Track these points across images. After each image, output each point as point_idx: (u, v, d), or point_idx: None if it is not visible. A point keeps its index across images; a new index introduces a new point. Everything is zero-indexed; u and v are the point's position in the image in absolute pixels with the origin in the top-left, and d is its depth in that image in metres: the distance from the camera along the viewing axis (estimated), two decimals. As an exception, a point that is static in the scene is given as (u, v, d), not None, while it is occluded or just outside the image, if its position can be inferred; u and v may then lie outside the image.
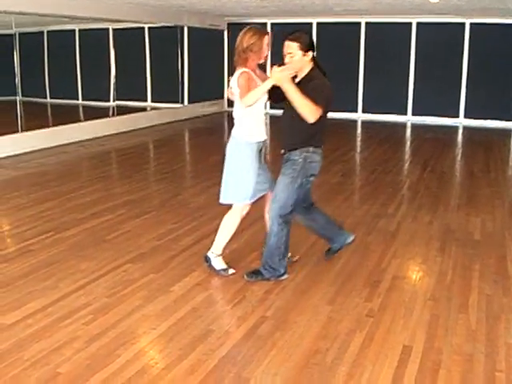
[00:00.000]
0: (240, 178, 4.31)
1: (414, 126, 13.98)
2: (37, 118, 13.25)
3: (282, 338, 3.59)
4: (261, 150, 4.36)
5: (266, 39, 4.20)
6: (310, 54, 4.04)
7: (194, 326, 3.73)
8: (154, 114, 14.28)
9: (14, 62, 10.91)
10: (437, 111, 14.29)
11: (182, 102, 15.23)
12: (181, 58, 15.18)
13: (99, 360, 3.33)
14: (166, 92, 15.57)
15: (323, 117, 4.03)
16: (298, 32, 4.06)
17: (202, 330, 3.67)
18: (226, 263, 4.58)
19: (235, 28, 15.81)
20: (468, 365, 3.32)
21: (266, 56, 4.26)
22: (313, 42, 4.09)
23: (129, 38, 15.95)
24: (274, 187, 4.27)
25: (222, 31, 16.02)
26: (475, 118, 14.02)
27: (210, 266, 4.54)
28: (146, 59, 15.95)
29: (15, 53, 10.84)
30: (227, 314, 3.89)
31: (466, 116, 14.18)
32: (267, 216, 4.43)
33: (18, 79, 11.12)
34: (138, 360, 3.33)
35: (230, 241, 4.61)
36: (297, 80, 4.09)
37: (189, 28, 14.89)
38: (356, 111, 15.02)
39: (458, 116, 14.24)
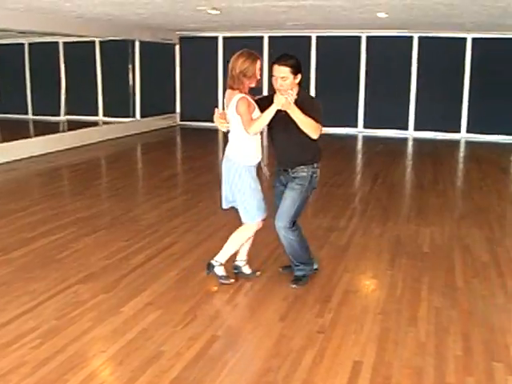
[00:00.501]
0: (246, 199, 4.46)
1: (366, 139, 14.17)
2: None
3: (233, 357, 3.58)
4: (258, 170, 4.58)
5: (259, 64, 4.34)
6: (299, 76, 4.28)
7: (144, 347, 3.68)
8: (105, 128, 14.15)
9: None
10: (387, 124, 14.52)
11: (134, 116, 15.12)
12: (132, 71, 15.09)
13: (47, 386, 3.26)
14: (118, 106, 15.45)
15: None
16: (287, 56, 4.27)
17: (152, 352, 3.63)
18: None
19: (186, 42, 15.89)
20: (417, 378, 3.37)
21: (259, 80, 4.40)
22: (300, 65, 4.29)
23: (79, 52, 15.81)
24: (281, 203, 4.50)
25: (174, 45, 15.99)
26: (424, 130, 14.29)
27: (212, 272, 4.67)
28: (97, 73, 15.82)
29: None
30: (178, 335, 3.85)
31: (415, 128, 14.44)
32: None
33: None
34: (88, 385, 3.28)
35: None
36: None
37: (140, 42, 14.82)
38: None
39: (407, 128, 14.50)
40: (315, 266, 4.85)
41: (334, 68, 14.73)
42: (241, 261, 4.80)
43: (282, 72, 4.21)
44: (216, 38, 15.65)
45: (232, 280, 4.67)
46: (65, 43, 15.84)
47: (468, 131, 14.16)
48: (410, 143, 13.63)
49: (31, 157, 10.58)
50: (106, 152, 12.04)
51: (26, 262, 5.20)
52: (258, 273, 4.86)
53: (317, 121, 4.23)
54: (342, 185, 8.50)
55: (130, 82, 15.17)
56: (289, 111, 4.16)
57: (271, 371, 3.42)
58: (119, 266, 5.10)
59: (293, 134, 4.32)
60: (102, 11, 10.49)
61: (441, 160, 11.06)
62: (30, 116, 16.74)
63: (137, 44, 14.86)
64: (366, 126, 14.79)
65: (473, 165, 10.87)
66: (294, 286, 4.60)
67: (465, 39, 13.85)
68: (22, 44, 16.51)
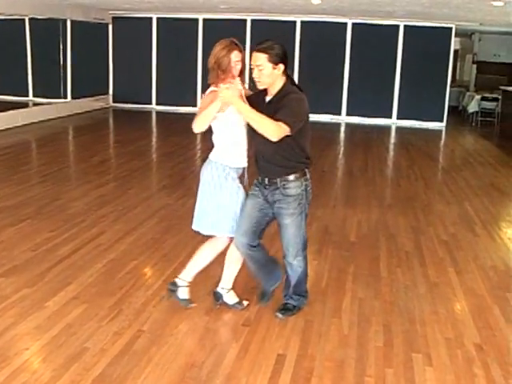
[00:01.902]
0: (222, 208, 3.87)
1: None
2: None
3: (158, 352, 3.58)
4: (240, 178, 3.93)
5: (236, 55, 3.70)
6: (282, 66, 3.61)
7: (68, 344, 3.64)
8: (35, 110, 13.78)
9: None
10: (321, 109, 14.66)
11: (66, 98, 14.77)
12: (63, 51, 14.71)
13: (-35, 386, 3.20)
14: (49, 87, 15.05)
15: (306, 133, 3.74)
16: (268, 42, 3.64)
17: (76, 348, 3.59)
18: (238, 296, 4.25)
19: (120, 22, 15.59)
20: (339, 371, 3.45)
21: (240, 74, 3.76)
22: (285, 54, 3.65)
23: (8, 29, 15.28)
24: (283, 234, 3.91)
25: (107, 25, 15.66)
26: (356, 115, 14.52)
27: (174, 296, 4.16)
28: (26, 52, 15.34)
29: None
30: (103, 330, 3.82)
31: (348, 113, 14.65)
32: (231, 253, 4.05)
33: None
34: (8, 384, 3.22)
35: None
36: (269, 97, 3.75)
37: (72, 21, 14.44)
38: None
39: (340, 113, 14.69)
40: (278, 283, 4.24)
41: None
42: (222, 289, 4.19)
43: (258, 59, 3.58)
44: (150, 19, 15.42)
45: (193, 304, 4.19)
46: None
47: (399, 117, 14.47)
48: (343, 129, 13.82)
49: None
50: (35, 135, 11.73)
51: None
52: (246, 302, 4.23)
53: (281, 119, 3.49)
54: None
55: (61, 62, 14.80)
56: (236, 108, 3.57)
57: (195, 366, 3.44)
58: (44, 258, 5.00)
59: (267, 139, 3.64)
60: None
61: (371, 147, 11.26)
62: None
63: (68, 23, 14.49)
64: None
65: (402, 151, 11.12)
66: (280, 315, 4.06)
67: (397, 26, 14.10)
68: None
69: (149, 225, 5.93)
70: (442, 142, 13.19)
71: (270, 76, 3.62)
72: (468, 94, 16.12)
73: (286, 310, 4.09)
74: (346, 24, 14.35)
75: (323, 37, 14.51)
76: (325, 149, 10.64)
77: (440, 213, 6.81)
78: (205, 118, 3.65)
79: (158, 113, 15.37)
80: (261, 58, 3.58)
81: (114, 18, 15.68)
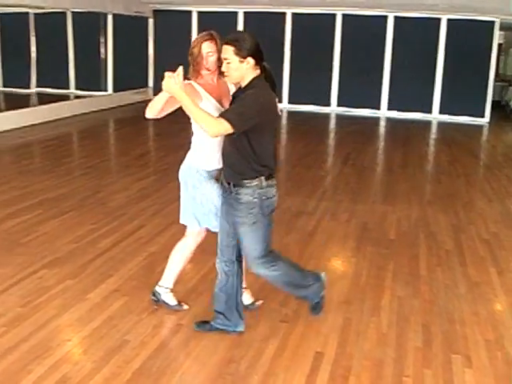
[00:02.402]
0: (198, 204, 3.80)
1: (338, 118, 14.20)
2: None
3: (196, 347, 3.62)
4: (218, 179, 3.79)
5: (207, 46, 3.59)
6: (251, 60, 3.34)
7: (109, 336, 3.70)
8: (77, 102, 13.98)
9: None
10: (361, 103, 14.56)
11: (107, 90, 14.96)
12: (105, 44, 14.89)
13: (9, 376, 3.27)
14: (90, 80, 15.26)
15: (264, 138, 3.44)
16: (237, 34, 3.46)
17: (117, 341, 3.65)
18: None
19: (160, 15, 15.69)
20: (377, 370, 3.44)
21: (214, 69, 3.65)
22: (257, 47, 3.39)
23: (50, 23, 15.53)
24: (241, 243, 3.66)
25: (147, 18, 15.79)
26: (397, 110, 14.37)
27: (160, 302, 4.08)
28: (68, 45, 15.56)
29: None
30: (143, 323, 3.87)
31: (388, 108, 14.51)
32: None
33: None
34: (51, 376, 3.27)
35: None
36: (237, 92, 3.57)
37: (113, 14, 14.60)
38: (281, 101, 15.10)
39: (379, 108, 14.55)
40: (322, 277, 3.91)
41: (308, 46, 14.69)
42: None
43: (225, 52, 3.35)
44: (190, 12, 15.49)
45: (186, 306, 4.09)
46: (36, 14, 15.55)
47: (440, 112, 14.27)
48: (383, 123, 13.70)
49: (1, 132, 10.43)
50: (77, 127, 11.91)
51: (-10, 245, 5.17)
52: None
53: (223, 116, 3.25)
54: (312, 166, 8.53)
55: (103, 56, 14.98)
56: (175, 96, 3.33)
57: (233, 361, 3.47)
58: (86, 250, 5.08)
59: (230, 137, 3.40)
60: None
61: (411, 142, 11.15)
62: (0, 88, 16.47)
63: (109, 16, 14.65)
64: (339, 105, 14.81)
65: (443, 147, 10.98)
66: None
67: (439, 19, 13.89)
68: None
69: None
70: (484, 137, 12.96)
71: (238, 70, 3.36)
72: (511, 88, 15.82)
73: (312, 309, 3.92)
74: (386, 17, 14.19)
75: (363, 30, 14.38)
76: (364, 144, 10.58)
77: (481, 211, 6.71)
78: (152, 104, 3.61)
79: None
80: (228, 51, 3.34)
81: (154, 11, 15.79)
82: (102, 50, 14.92)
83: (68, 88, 15.48)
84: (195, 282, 4.51)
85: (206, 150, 3.73)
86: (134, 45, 15.70)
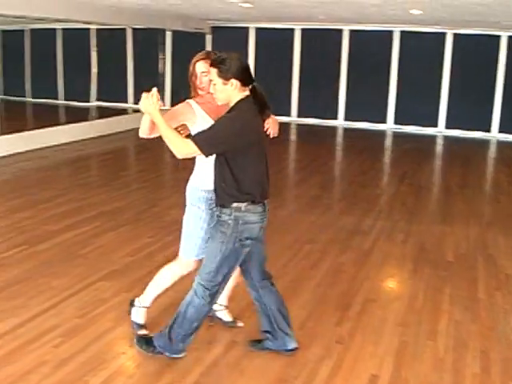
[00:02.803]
0: (188, 230, 3.71)
1: (395, 135, 14.04)
2: (16, 119, 13.19)
3: (250, 365, 3.60)
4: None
5: (200, 66, 3.53)
6: (235, 82, 3.24)
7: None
8: (134, 117, 14.20)
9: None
10: (417, 120, 14.38)
11: (164, 105, 15.17)
12: (163, 60, 15.14)
13: (66, 387, 3.33)
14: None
15: (245, 164, 3.33)
16: (223, 55, 3.30)
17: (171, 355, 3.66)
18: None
19: (218, 31, 15.88)
20: (434, 396, 3.36)
21: (205, 88, 3.52)
22: (242, 68, 3.29)
23: (111, 38, 15.90)
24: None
25: (205, 34, 15.99)
26: (455, 128, 14.13)
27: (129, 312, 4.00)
28: (127, 60, 15.90)
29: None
30: (197, 339, 3.84)
31: (446, 126, 14.28)
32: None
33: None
34: (105, 388, 3.32)
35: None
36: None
37: (172, 31, 14.86)
38: (336, 118, 15.07)
39: (437, 126, 14.33)
40: (292, 346, 3.72)
41: (365, 62, 14.61)
42: (219, 305, 4.07)
43: (211, 73, 3.29)
44: (247, 29, 15.62)
45: (145, 331, 3.90)
46: (97, 30, 15.97)
47: (500, 131, 13.96)
48: (440, 141, 13.47)
49: (60, 144, 10.70)
50: (134, 141, 12.08)
51: (49, 256, 5.28)
52: (240, 324, 4.11)
53: (193, 138, 3.20)
54: (368, 185, 8.44)
55: (161, 71, 15.23)
56: (150, 116, 3.30)
57: (287, 381, 3.44)
58: (142, 263, 5.14)
59: (218, 155, 3.33)
60: (135, 2, 10.52)
61: (470, 161, 10.93)
62: (61, 101, 16.92)
63: (168, 33, 14.90)
64: (396, 122, 14.66)
65: (502, 167, 10.72)
66: (136, 345, 3.71)
67: (499, 37, 13.62)
68: (55, 29, 16.66)
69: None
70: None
71: (223, 92, 3.27)
72: None
73: (143, 341, 3.71)
74: (445, 34, 13.99)
75: (421, 47, 14.22)
76: (421, 162, 10.42)
77: (543, 234, 6.52)
78: (141, 124, 3.48)
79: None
80: (212, 73, 3.27)
81: (212, 28, 15.99)
82: (161, 66, 15.17)
83: (126, 102, 15.79)
84: (250, 299, 4.47)
85: (201, 168, 3.61)
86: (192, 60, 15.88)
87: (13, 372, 3.44)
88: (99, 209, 6.73)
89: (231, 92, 3.27)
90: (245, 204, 3.33)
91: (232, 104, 3.32)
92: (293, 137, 14.03)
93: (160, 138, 3.34)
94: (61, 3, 10.36)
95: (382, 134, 14.14)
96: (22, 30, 17.22)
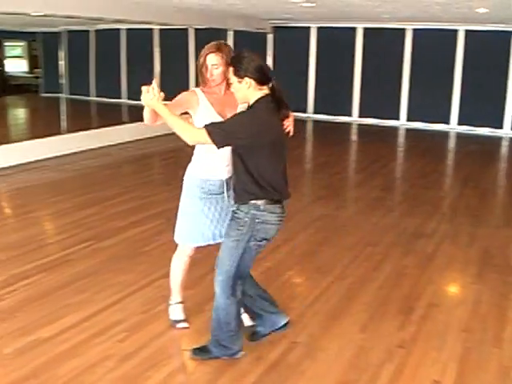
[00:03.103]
0: (183, 216, 3.79)
1: (458, 136, 13.76)
2: (81, 117, 13.54)
3: (311, 366, 3.60)
4: (222, 192, 3.68)
5: (211, 58, 3.47)
6: (249, 81, 3.25)
7: (224, 349, 3.76)
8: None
9: (59, 59, 11.17)
10: (482, 121, 14.05)
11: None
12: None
13: (129, 381, 3.40)
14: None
15: (260, 160, 3.33)
16: (240, 54, 3.35)
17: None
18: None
19: (279, 31, 15.90)
20: (499, 405, 3.29)
21: (218, 81, 3.52)
22: (257, 68, 3.28)
23: (173, 38, 16.13)
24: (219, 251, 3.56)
25: (267, 34, 16.03)
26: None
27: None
28: (189, 60, 16.09)
29: (61, 50, 11.09)
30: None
31: (512, 128, 13.93)
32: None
33: (63, 77, 11.38)
34: (167, 384, 3.38)
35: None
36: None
37: (234, 30, 14.97)
38: (398, 118, 14.87)
39: (502, 127, 13.97)
40: (283, 322, 3.85)
41: (428, 62, 14.36)
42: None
43: (228, 72, 3.36)
44: (309, 28, 15.58)
45: (186, 324, 4.02)
46: (160, 30, 16.23)
47: None
48: (505, 143, 13.13)
49: (123, 142, 10.94)
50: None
51: (115, 252, 5.40)
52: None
53: (207, 128, 3.17)
54: (431, 187, 8.29)
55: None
56: (155, 109, 3.29)
57: (348, 384, 3.43)
58: (204, 261, 5.16)
59: (233, 151, 3.40)
60: (196, 2, 10.63)
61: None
62: (124, 100, 17.28)
63: (229, 32, 15.02)
64: (459, 123, 14.37)
65: None
66: (191, 354, 3.69)
67: None
68: (118, 30, 17.02)
69: (305, 235, 5.99)
70: None
71: (239, 90, 3.31)
72: None
73: (200, 350, 3.69)
74: (511, 33, 13.63)
75: (485, 46, 13.88)
76: (486, 164, 10.18)
77: None
78: (144, 114, 3.46)
79: (315, 121, 15.46)
80: (229, 71, 3.33)
81: (273, 27, 16.02)
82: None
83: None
84: (312, 299, 4.49)
85: (203, 158, 3.64)
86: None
87: (78, 365, 3.54)
88: (162, 207, 6.84)
89: (247, 91, 3.29)
90: (263, 201, 3.34)
91: (251, 102, 3.34)
92: (353, 137, 13.94)
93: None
94: (123, 4, 10.57)
95: (445, 134, 13.87)
96: (88, 31, 17.66)
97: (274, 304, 3.85)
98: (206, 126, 3.19)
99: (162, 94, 3.27)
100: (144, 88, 3.27)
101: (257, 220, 3.35)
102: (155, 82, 3.29)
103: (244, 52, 3.33)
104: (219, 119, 3.46)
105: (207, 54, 3.49)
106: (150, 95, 3.24)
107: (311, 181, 8.93)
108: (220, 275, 3.49)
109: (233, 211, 3.46)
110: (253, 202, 3.34)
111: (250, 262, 3.53)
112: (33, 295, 4.48)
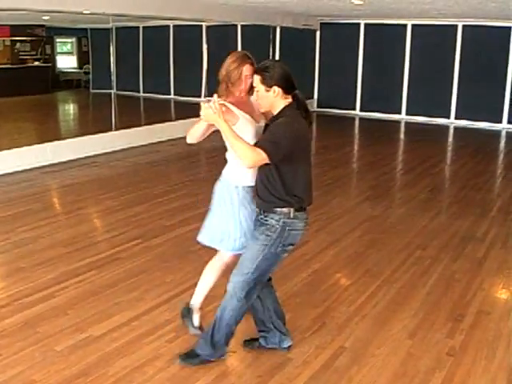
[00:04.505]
0: (226, 225, 3.66)
1: (510, 136, 13.46)
2: (130, 114, 13.73)
3: (359, 372, 3.59)
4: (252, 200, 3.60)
5: (247, 68, 3.45)
6: (277, 89, 3.28)
7: (273, 352, 3.76)
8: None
9: (110, 55, 11.34)
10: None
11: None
12: (273, 55, 15.24)
13: (179, 381, 3.45)
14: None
15: (294, 167, 3.35)
16: (267, 63, 3.37)
17: (280, 357, 3.71)
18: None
19: (327, 28, 15.82)
20: (551, 418, 3.22)
21: (247, 90, 3.50)
22: (284, 76, 3.31)
23: (221, 35, 16.16)
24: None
25: (315, 31, 15.97)
26: None
27: (186, 320, 3.96)
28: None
29: (111, 47, 11.25)
30: (306, 342, 3.90)
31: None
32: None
33: (113, 73, 11.53)
34: (216, 386, 3.41)
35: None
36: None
37: (281, 27, 14.94)
38: (448, 117, 14.64)
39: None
40: (287, 344, 3.81)
41: (479, 59, 14.09)
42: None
43: (254, 81, 3.35)
44: (358, 25, 15.46)
45: (199, 332, 3.88)
46: (207, 26, 16.28)
47: None
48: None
49: (172, 139, 11.04)
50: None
51: (163, 251, 5.47)
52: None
53: (260, 146, 3.18)
54: (481, 189, 8.14)
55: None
56: (216, 124, 3.29)
57: (397, 392, 3.40)
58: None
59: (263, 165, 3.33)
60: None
61: None
62: (172, 96, 17.43)
63: (278, 29, 15.00)
64: (510, 122, 14.06)
65: None
66: (179, 360, 3.66)
67: None
68: (167, 26, 17.18)
69: (352, 237, 5.96)
70: None
71: (266, 99, 3.33)
72: None
73: (185, 355, 3.68)
74: None
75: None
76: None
77: None
78: (192, 132, 3.57)
79: (362, 119, 15.35)
80: (256, 80, 3.33)
81: (321, 24, 15.95)
82: (270, 61, 15.28)
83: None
84: (360, 304, 4.47)
85: (240, 166, 3.46)
86: (301, 56, 15.94)
87: (129, 364, 3.61)
88: (200, 209, 6.84)
89: (273, 99, 3.32)
90: (292, 209, 3.36)
91: (277, 110, 3.35)
92: (402, 135, 13.79)
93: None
94: (173, 2, 10.67)
95: (497, 134, 13.59)
96: (137, 27, 17.86)
97: (285, 324, 3.83)
98: (260, 145, 3.19)
99: (224, 109, 3.28)
100: (205, 104, 3.26)
101: (287, 228, 3.39)
102: (216, 97, 3.30)
103: (271, 61, 3.43)
104: (255, 124, 3.47)
105: (243, 65, 3.47)
106: (211, 110, 3.24)
107: (359, 181, 8.87)
108: (238, 276, 3.50)
109: (261, 218, 3.44)
110: (285, 210, 3.37)
111: (272, 267, 3.54)
112: (84, 293, 4.57)
